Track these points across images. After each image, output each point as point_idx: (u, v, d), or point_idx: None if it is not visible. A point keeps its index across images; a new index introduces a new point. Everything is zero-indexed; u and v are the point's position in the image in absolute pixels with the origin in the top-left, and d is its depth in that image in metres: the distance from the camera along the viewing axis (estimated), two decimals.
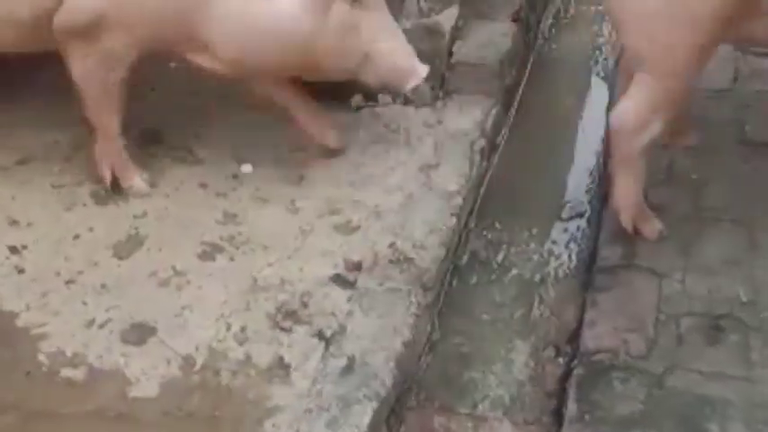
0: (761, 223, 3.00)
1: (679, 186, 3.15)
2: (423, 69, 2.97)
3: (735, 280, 2.84)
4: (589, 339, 2.72)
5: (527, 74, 3.86)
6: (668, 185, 3.16)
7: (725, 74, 3.61)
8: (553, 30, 4.15)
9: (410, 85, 3.00)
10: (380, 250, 2.88)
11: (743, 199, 3.09)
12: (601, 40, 4.10)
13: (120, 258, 2.87)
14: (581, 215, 3.28)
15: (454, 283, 3.01)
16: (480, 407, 2.67)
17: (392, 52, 2.92)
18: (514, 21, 3.75)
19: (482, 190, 3.31)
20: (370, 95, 3.43)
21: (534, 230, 3.20)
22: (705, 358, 2.64)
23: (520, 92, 3.77)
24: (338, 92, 3.43)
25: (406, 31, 3.09)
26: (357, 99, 3.43)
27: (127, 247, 2.91)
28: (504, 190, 3.34)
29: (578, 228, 3.23)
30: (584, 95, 3.84)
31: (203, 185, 3.12)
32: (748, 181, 3.16)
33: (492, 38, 3.62)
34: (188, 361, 2.58)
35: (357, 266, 2.83)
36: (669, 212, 3.06)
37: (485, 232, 3.19)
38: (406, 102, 3.44)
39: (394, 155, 3.24)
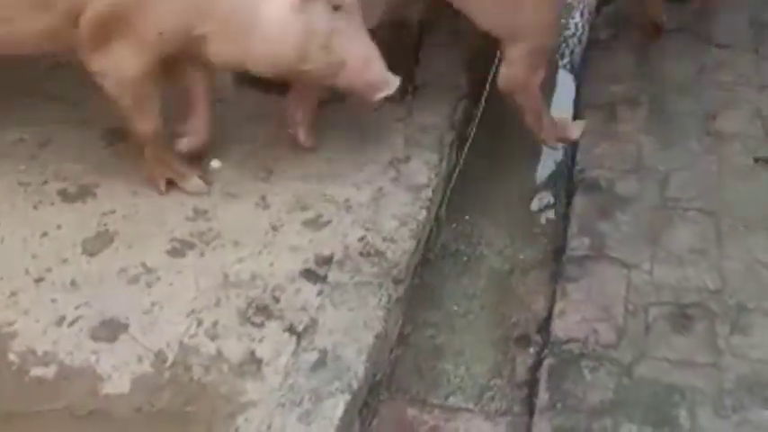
0: (727, 213, 3.04)
1: (646, 177, 3.18)
2: (394, 81, 2.97)
3: (702, 269, 2.88)
4: (559, 329, 2.74)
5: (495, 67, 3.86)
6: (635, 177, 3.19)
7: (689, 66, 3.65)
8: None
9: (380, 95, 2.98)
10: (351, 244, 2.89)
11: (709, 189, 3.13)
12: (567, 32, 4.12)
13: (90, 255, 2.86)
14: (549, 207, 3.31)
15: (425, 275, 3.03)
16: (452, 398, 2.69)
17: (367, 61, 2.91)
18: None
19: (452, 183, 3.33)
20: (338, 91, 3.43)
21: (504, 222, 3.23)
22: (673, 346, 2.67)
23: (488, 85, 3.77)
24: None
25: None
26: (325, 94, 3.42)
27: (96, 245, 2.89)
28: (474, 183, 3.36)
29: (547, 219, 3.26)
30: (552, 88, 3.86)
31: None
32: (714, 171, 3.20)
33: (460, 31, 3.62)
34: (159, 357, 2.57)
35: (327, 261, 2.84)
36: (637, 203, 3.10)
37: (455, 225, 3.21)
38: None
39: (363, 149, 3.25)
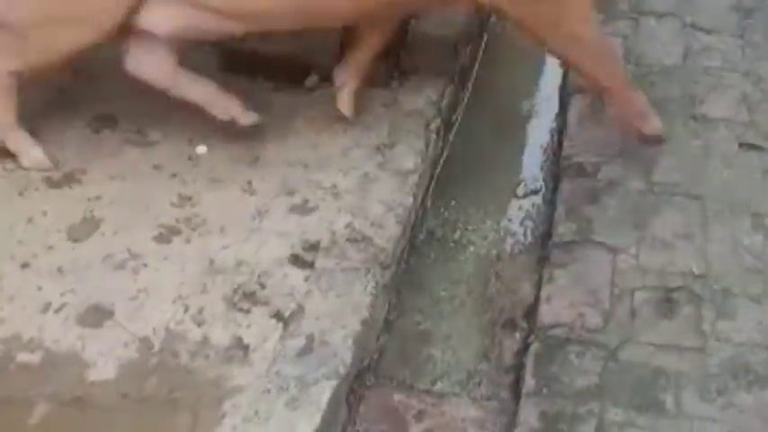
0: (712, 197, 3.06)
1: (631, 162, 3.19)
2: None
3: (687, 253, 2.89)
4: (546, 314, 2.75)
5: (482, 53, 3.87)
6: (621, 161, 3.19)
7: (675, 51, 3.66)
8: None
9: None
10: (338, 230, 2.88)
11: (695, 174, 3.14)
12: None
13: (75, 242, 2.85)
14: (536, 192, 3.31)
15: (411, 261, 3.03)
16: (439, 383, 2.69)
17: None
18: None
19: (438, 169, 3.33)
20: (325, 76, 3.42)
21: (490, 208, 3.23)
22: (659, 331, 2.68)
23: (475, 71, 3.78)
24: (292, 73, 3.42)
25: None
26: (312, 80, 3.42)
27: (82, 231, 2.88)
28: (460, 168, 3.36)
29: (533, 205, 3.26)
30: (538, 74, 3.86)
31: (158, 168, 3.09)
32: (699, 156, 3.21)
33: (446, 17, 3.62)
34: (146, 343, 2.56)
35: (314, 247, 2.84)
36: (622, 188, 3.10)
37: (441, 210, 3.21)
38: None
39: (350, 135, 3.24)
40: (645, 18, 3.83)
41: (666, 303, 2.76)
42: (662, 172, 3.15)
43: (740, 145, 3.24)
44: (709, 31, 3.74)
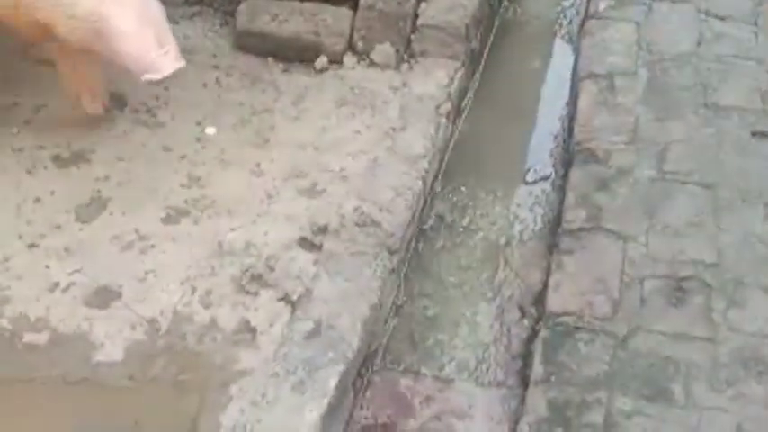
0: (724, 186, 3.03)
1: (643, 150, 3.16)
2: (167, 66, 2.77)
3: (698, 242, 2.86)
4: (554, 301, 2.73)
5: (492, 37, 3.84)
6: (633, 149, 3.17)
7: (688, 38, 3.63)
8: None
9: (149, 77, 2.80)
10: (346, 214, 2.86)
11: (707, 162, 3.12)
12: (565, 3, 4.09)
13: (83, 222, 2.83)
14: (546, 178, 3.29)
15: (420, 246, 3.01)
16: (446, 369, 2.69)
17: (128, 36, 2.76)
18: None
19: (447, 153, 3.30)
20: (335, 58, 3.40)
21: (499, 194, 3.21)
22: (668, 320, 2.66)
23: (485, 55, 3.75)
24: (302, 54, 3.40)
25: None
26: (322, 61, 3.40)
27: (89, 211, 2.87)
28: (470, 153, 3.34)
29: (543, 191, 3.24)
30: (549, 59, 3.83)
31: (167, 149, 3.08)
32: (712, 144, 3.18)
33: (457, 0, 3.59)
34: (153, 325, 2.55)
35: (323, 230, 2.82)
36: (634, 175, 3.08)
37: (450, 195, 3.19)
38: (371, 65, 3.41)
39: (359, 118, 3.21)
40: (658, 4, 3.80)
41: (677, 292, 2.74)
42: (673, 160, 3.13)
43: (753, 134, 3.21)
44: (722, 18, 3.70)
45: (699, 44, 3.61)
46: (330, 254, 2.75)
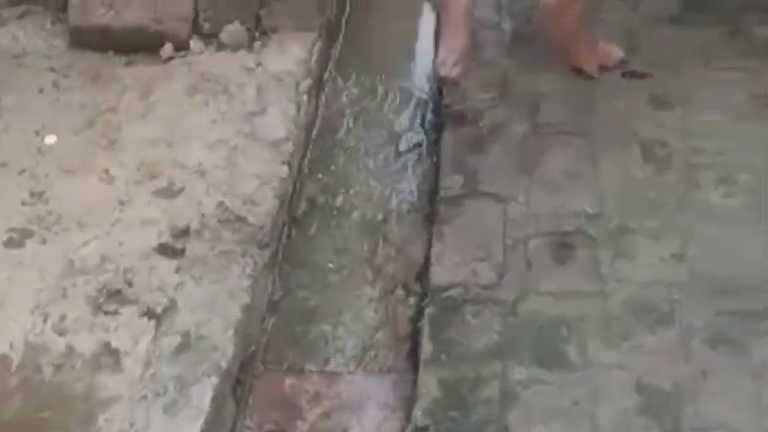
0: (599, 134, 2.93)
1: (514, 105, 3.04)
2: None
3: (579, 194, 2.76)
4: (438, 275, 2.61)
5: (349, 3, 3.67)
6: (503, 106, 3.05)
7: None
8: None
9: None
10: (208, 211, 2.68)
11: (579, 112, 3.01)
12: None
13: None
14: (419, 145, 3.14)
15: (293, 234, 2.85)
16: (332, 362, 2.55)
17: None
18: None
19: (313, 132, 3.14)
20: (181, 44, 3.20)
21: (372, 167, 3.06)
22: (556, 279, 2.57)
23: (343, 24, 3.59)
24: (145, 44, 3.19)
25: None
26: (167, 49, 3.18)
27: None
28: (337, 130, 3.18)
29: (417, 160, 3.10)
30: (412, 22, 3.68)
31: (3, 164, 2.84)
32: (582, 94, 3.07)
33: None
34: (3, 361, 2.35)
35: (184, 232, 2.64)
36: (506, 133, 2.96)
37: (320, 176, 3.03)
38: (220, 47, 3.21)
39: (213, 106, 3.02)
40: None
41: (562, 249, 2.64)
42: (546, 112, 3.01)
43: (623, 74, 3.12)
44: None
45: None
46: (194, 258, 2.57)
